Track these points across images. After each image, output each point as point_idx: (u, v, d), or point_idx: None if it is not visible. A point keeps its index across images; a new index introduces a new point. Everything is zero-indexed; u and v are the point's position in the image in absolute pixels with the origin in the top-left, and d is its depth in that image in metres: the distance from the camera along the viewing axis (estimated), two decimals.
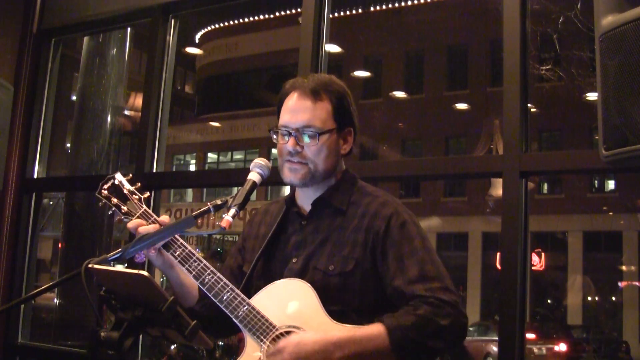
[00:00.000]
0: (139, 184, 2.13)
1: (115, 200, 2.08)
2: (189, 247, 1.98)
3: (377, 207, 1.94)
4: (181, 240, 1.99)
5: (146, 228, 1.98)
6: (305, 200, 2.03)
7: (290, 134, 1.94)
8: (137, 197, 2.08)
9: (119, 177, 2.11)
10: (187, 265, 1.95)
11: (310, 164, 1.94)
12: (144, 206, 2.07)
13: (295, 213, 2.05)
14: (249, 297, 1.90)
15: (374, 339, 1.75)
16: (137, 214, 2.05)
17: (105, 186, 2.10)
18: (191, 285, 2.06)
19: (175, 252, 1.97)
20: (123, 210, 2.07)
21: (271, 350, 1.80)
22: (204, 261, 1.96)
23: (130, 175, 2.14)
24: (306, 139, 1.93)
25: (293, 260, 1.97)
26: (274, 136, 1.99)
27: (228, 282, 1.91)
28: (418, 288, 1.80)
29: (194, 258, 1.96)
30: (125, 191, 2.09)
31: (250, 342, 1.88)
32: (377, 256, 1.88)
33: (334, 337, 1.76)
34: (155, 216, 2.05)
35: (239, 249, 2.15)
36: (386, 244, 1.88)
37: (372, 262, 1.89)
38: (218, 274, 1.93)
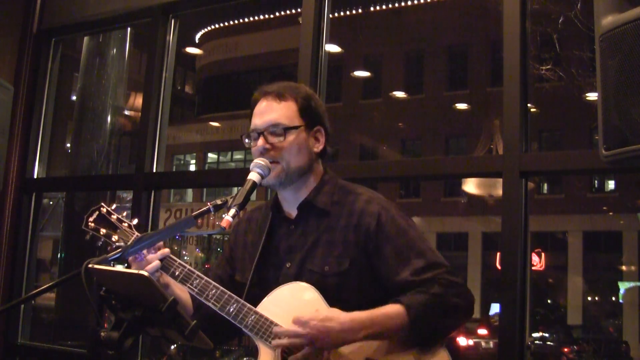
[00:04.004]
0: (125, 213, 2.12)
1: (104, 230, 2.09)
2: (188, 266, 1.99)
3: (363, 205, 1.97)
4: (179, 261, 2.00)
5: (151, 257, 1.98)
6: (290, 204, 2.05)
7: (259, 135, 1.99)
8: (126, 224, 2.09)
9: (104, 207, 2.11)
10: (188, 284, 1.97)
11: (282, 162, 1.96)
12: (136, 232, 2.08)
13: (282, 218, 2.06)
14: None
15: (394, 318, 1.81)
16: (131, 241, 2.02)
17: (91, 218, 2.10)
18: (186, 300, 2.08)
19: (175, 272, 1.99)
20: (114, 240, 2.07)
21: (296, 320, 1.81)
22: (205, 277, 1.97)
23: (115, 205, 2.13)
24: (274, 138, 1.97)
25: (287, 265, 1.98)
26: (247, 140, 2.03)
27: (232, 294, 1.93)
28: (427, 275, 1.86)
29: (195, 275, 1.97)
30: (113, 220, 2.10)
31: (263, 349, 1.90)
32: (370, 253, 1.92)
33: (359, 317, 1.80)
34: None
35: (228, 259, 2.16)
36: (379, 240, 1.91)
37: (366, 259, 1.92)
38: (221, 287, 1.94)
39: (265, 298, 1.93)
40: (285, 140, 1.96)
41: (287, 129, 1.97)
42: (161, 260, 1.99)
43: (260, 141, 1.98)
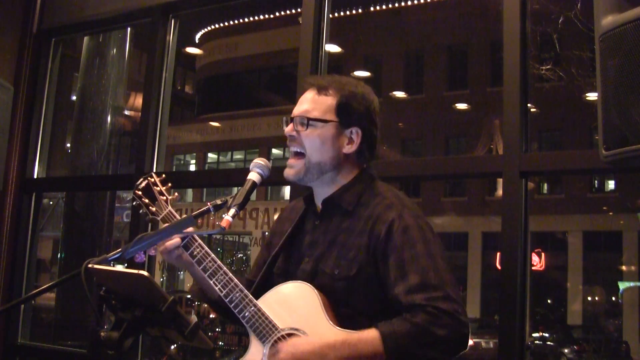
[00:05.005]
0: (170, 184, 2.17)
1: (146, 200, 2.14)
2: (206, 248, 2.02)
3: (381, 210, 1.92)
4: (199, 241, 2.03)
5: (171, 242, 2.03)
6: (318, 198, 2.05)
7: (291, 120, 2.01)
8: (164, 198, 2.13)
9: (151, 177, 2.16)
10: (202, 265, 2.00)
11: (306, 154, 1.97)
12: (169, 207, 2.12)
13: (312, 212, 2.07)
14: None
15: (369, 344, 1.76)
16: (162, 215, 2.11)
17: (140, 186, 2.15)
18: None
19: (194, 252, 2.02)
20: (151, 210, 2.12)
21: (270, 352, 1.85)
22: (219, 261, 1.99)
23: (164, 175, 2.19)
24: (301, 126, 1.98)
25: (305, 260, 1.99)
26: (285, 127, 2.04)
27: (238, 283, 1.95)
28: (417, 297, 1.78)
29: (210, 258, 2.00)
30: (155, 191, 2.14)
31: (254, 343, 1.92)
32: (378, 261, 1.88)
33: (329, 339, 1.79)
34: (178, 217, 2.09)
35: (267, 245, 2.19)
36: (387, 249, 1.86)
37: (375, 267, 1.88)
38: (230, 274, 1.97)
39: (268, 292, 1.95)
40: (309, 131, 1.97)
41: (311, 120, 1.97)
42: (182, 238, 2.01)
43: (289, 127, 2.00)
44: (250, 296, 1.93)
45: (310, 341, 1.80)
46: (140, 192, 2.14)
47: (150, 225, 2.15)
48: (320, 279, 1.92)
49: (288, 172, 2.00)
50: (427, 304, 1.76)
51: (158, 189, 2.14)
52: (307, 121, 1.96)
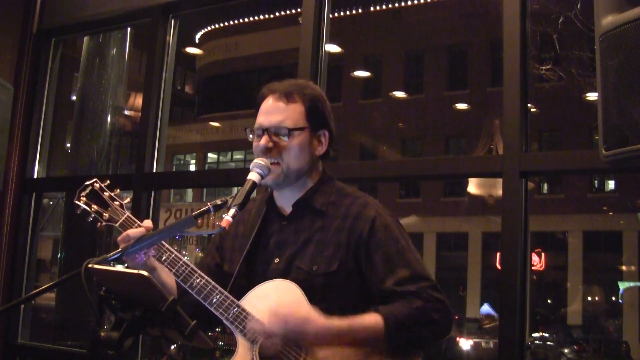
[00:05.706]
0: (118, 190, 2.12)
1: (95, 207, 2.09)
2: (175, 252, 2.00)
3: (358, 209, 1.98)
4: (167, 245, 2.00)
5: (134, 232, 1.99)
6: (285, 201, 2.06)
7: (263, 132, 1.99)
8: (117, 203, 2.09)
9: (97, 183, 2.11)
10: (174, 269, 1.98)
11: (283, 163, 1.97)
12: (127, 212, 2.08)
13: (275, 213, 2.07)
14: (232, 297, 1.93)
15: (371, 328, 1.83)
16: (120, 221, 2.06)
17: (84, 193, 2.10)
18: (171, 285, 2.08)
19: (162, 257, 2.00)
20: (105, 217, 2.08)
21: (274, 313, 1.81)
22: (191, 265, 1.98)
23: (108, 181, 2.13)
24: (277, 137, 1.98)
25: (275, 261, 1.99)
26: (250, 136, 2.04)
27: (216, 285, 1.94)
28: (410, 287, 1.87)
29: (181, 262, 1.98)
30: (105, 197, 2.10)
31: (242, 343, 1.91)
32: (360, 257, 1.93)
33: (336, 325, 1.82)
34: (138, 222, 2.06)
35: (217, 247, 2.17)
36: (370, 245, 1.92)
37: (355, 263, 1.93)
38: (206, 277, 1.95)
39: (250, 292, 1.94)
40: (288, 141, 1.97)
41: (291, 130, 1.97)
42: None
43: (264, 140, 1.98)
44: (231, 297, 1.92)
45: (319, 324, 1.79)
46: (85, 199, 2.09)
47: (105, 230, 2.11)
48: (295, 276, 1.93)
49: (266, 179, 1.97)
50: (421, 292, 1.86)
51: (107, 194, 2.10)
52: (288, 132, 1.97)
